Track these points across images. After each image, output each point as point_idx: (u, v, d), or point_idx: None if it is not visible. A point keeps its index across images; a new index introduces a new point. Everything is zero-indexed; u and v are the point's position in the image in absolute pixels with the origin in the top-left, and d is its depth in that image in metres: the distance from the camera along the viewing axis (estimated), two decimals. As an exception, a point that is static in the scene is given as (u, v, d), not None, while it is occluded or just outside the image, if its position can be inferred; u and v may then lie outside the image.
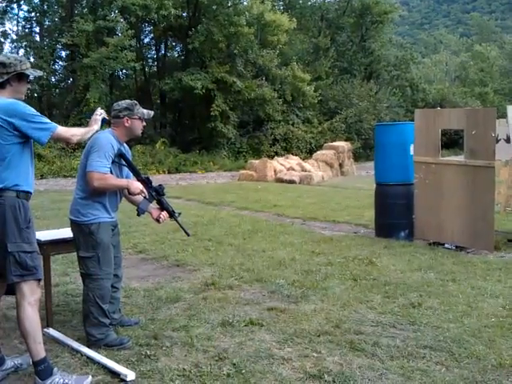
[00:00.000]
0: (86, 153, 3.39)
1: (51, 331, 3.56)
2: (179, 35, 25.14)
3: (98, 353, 3.19)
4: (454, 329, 3.63)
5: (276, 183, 17.28)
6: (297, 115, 26.69)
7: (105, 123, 3.36)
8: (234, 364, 3.02)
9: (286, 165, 19.36)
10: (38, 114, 2.84)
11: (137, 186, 3.39)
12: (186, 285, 4.77)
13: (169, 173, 20.46)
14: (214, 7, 22.39)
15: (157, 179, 18.34)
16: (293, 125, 26.07)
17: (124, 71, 26.79)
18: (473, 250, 6.28)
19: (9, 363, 2.99)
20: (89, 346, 3.29)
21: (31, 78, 2.98)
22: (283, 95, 25.00)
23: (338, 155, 21.19)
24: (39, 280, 2.85)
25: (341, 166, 21.33)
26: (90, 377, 2.88)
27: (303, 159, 21.68)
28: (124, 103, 3.60)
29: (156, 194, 3.60)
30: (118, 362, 3.08)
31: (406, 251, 6.21)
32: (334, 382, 2.83)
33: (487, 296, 4.41)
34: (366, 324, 3.75)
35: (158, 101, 26.63)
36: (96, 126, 3.22)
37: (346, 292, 4.52)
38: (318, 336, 3.47)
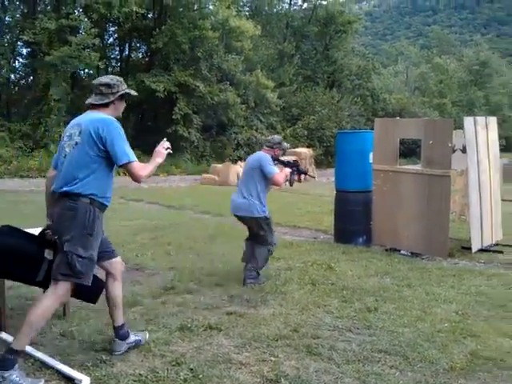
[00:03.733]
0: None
1: (4, 335, 3.46)
2: (144, 36, 24.91)
3: (53, 358, 3.12)
4: (408, 333, 3.72)
5: (235, 187, 17.28)
6: (260, 121, 26.82)
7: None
8: (192, 369, 3.01)
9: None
10: (126, 139, 3.09)
11: None
12: (145, 289, 4.72)
13: (130, 175, 20.15)
14: (180, 9, 22.30)
15: (117, 181, 18.08)
16: (256, 130, 26.18)
17: (86, 70, 26.32)
18: (428, 256, 6.45)
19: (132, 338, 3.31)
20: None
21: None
22: (247, 101, 25.09)
23: (301, 161, 21.34)
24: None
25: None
26: (43, 381, 2.85)
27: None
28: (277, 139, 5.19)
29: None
30: (72, 366, 3.02)
31: (363, 257, 6.32)
32: (291, 386, 2.86)
33: (441, 301, 4.54)
34: (324, 328, 3.81)
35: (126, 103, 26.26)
36: (160, 160, 3.29)
37: (305, 296, 4.57)
38: (276, 340, 3.50)
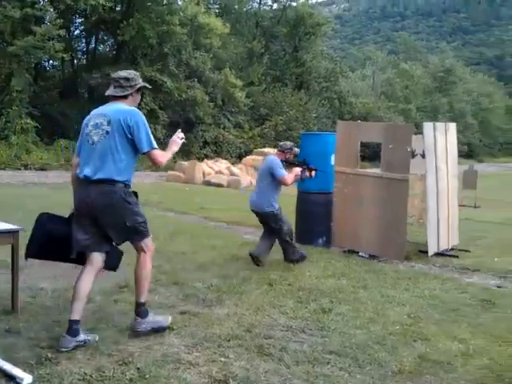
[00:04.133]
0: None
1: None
2: (111, 29, 24.48)
3: (-5, 356, 3.02)
4: (360, 335, 3.75)
5: (204, 186, 17.22)
6: (228, 119, 26.76)
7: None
8: (139, 368, 2.95)
9: (215, 168, 19.34)
10: (149, 128, 3.43)
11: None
12: (98, 286, 4.58)
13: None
14: (148, 3, 22.01)
15: (79, 176, 17.73)
16: (224, 128, 26.12)
17: (51, 62, 25.74)
18: (385, 259, 6.54)
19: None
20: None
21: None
22: (215, 99, 24.98)
23: (266, 161, 21.43)
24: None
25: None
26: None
27: (233, 163, 21.76)
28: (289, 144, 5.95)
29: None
30: (15, 364, 2.92)
31: (322, 258, 6.36)
32: (239, 387, 2.84)
33: (394, 304, 4.60)
34: (277, 329, 3.80)
35: (86, 95, 25.78)
36: (176, 148, 3.66)
37: (261, 297, 4.56)
38: (228, 340, 3.47)
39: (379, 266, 6.12)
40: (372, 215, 6.56)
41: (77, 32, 27.80)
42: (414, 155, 8.51)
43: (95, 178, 3.33)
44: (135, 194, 3.58)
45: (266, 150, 22.35)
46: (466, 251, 7.14)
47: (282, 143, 6.02)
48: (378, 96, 44.72)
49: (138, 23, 21.17)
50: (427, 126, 6.55)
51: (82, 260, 3.51)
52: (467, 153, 42.47)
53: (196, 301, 4.38)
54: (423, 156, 7.89)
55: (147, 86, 3.71)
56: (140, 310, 3.52)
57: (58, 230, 3.50)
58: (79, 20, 26.61)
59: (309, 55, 34.31)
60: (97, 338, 3.35)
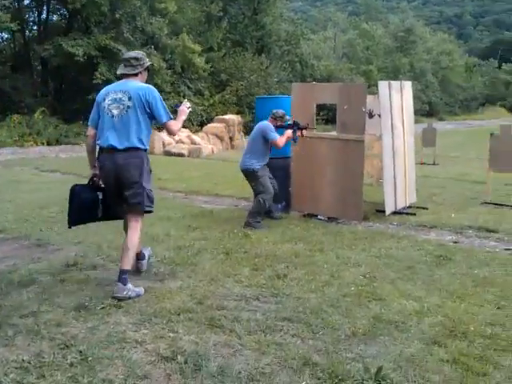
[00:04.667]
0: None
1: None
2: (63, -2, 23.36)
3: None
4: (314, 299, 3.70)
5: (164, 156, 16.85)
6: (188, 87, 26.09)
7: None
8: (81, 351, 2.82)
9: (175, 137, 18.94)
10: (163, 102, 3.91)
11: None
12: (45, 266, 4.42)
13: (48, 144, 19.10)
14: (98, -31, 20.98)
15: (34, 151, 17.17)
16: (184, 97, 25.39)
17: (1, 35, 24.47)
18: (343, 220, 6.51)
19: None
20: None
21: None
22: (173, 66, 24.31)
23: (229, 128, 21.12)
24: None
25: (231, 139, 21.31)
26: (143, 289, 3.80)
27: (194, 132, 21.35)
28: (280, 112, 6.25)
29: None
30: None
31: (280, 223, 6.30)
32: (186, 362, 2.74)
33: (350, 265, 4.58)
34: (230, 298, 3.71)
35: (40, 67, 24.74)
36: (184, 117, 4.13)
37: (216, 266, 4.46)
38: (178, 315, 3.36)
39: (337, 228, 6.09)
40: (329, 178, 6.49)
41: (27, 2, 26.47)
42: (372, 115, 8.44)
43: (122, 147, 3.78)
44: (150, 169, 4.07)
45: (228, 116, 22.03)
46: (424, 208, 7.18)
47: (274, 111, 6.23)
48: (339, 58, 44.42)
49: (88, -11, 20.21)
50: (382, 85, 6.45)
51: (107, 217, 4.14)
52: (428, 111, 42.90)
53: (148, 275, 4.24)
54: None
55: (153, 64, 4.25)
56: (124, 277, 3.73)
57: (88, 197, 3.98)
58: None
59: (268, 18, 33.52)
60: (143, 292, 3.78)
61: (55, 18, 27.76)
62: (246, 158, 6.24)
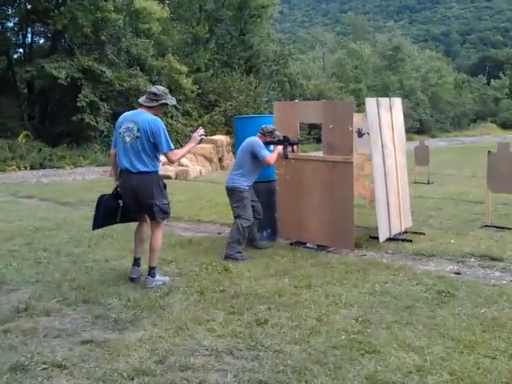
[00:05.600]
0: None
1: None
2: (44, 19, 23.01)
3: None
4: (297, 353, 3.13)
5: (149, 179, 16.31)
6: (176, 108, 25.65)
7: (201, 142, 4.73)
8: None
9: (162, 159, 18.43)
10: (166, 133, 4.50)
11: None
12: (-10, 312, 3.84)
13: (32, 168, 18.52)
14: (81, -10, 20.67)
15: (15, 176, 16.57)
16: (171, 117, 25.04)
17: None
18: (334, 248, 5.98)
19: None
20: None
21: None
22: (160, 87, 23.91)
23: (217, 149, 20.66)
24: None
25: (220, 160, 20.84)
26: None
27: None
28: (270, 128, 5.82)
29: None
30: None
31: (265, 253, 5.75)
32: None
33: (341, 305, 4.03)
34: (199, 353, 3.15)
35: (26, 90, 24.30)
36: (194, 144, 4.74)
37: (187, 310, 3.89)
38: (132, 379, 2.79)
39: (327, 258, 5.54)
40: (317, 202, 5.97)
41: (11, 25, 26.13)
42: (361, 134, 7.99)
43: (135, 170, 4.45)
44: (164, 184, 4.75)
45: (216, 137, 21.59)
46: (420, 234, 6.65)
47: (263, 126, 5.82)
48: (329, 77, 44.36)
49: (70, 11, 19.85)
50: (370, 102, 5.96)
51: (125, 220, 4.86)
52: (419, 129, 42.75)
53: (106, 323, 3.67)
54: (371, 134, 7.39)
55: (169, 103, 4.65)
56: (152, 272, 4.56)
57: (111, 205, 4.66)
58: (12, 11, 24.94)
59: (256, 38, 33.38)
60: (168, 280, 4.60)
61: (42, 40, 27.47)
62: (233, 176, 5.75)
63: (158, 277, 4.58)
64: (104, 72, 20.11)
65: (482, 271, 5.14)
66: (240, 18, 31.90)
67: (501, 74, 62.53)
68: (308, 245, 6.18)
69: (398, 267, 5.11)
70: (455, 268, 5.24)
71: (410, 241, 6.24)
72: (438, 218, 7.94)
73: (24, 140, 19.72)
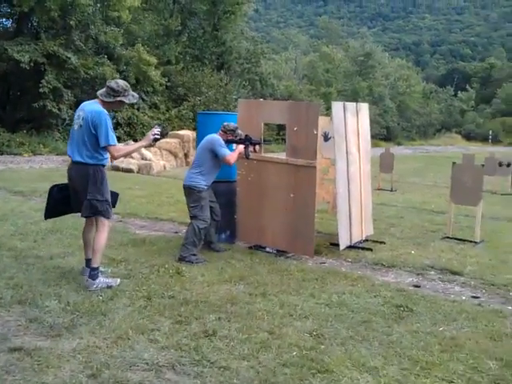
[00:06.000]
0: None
1: None
2: (11, 1, 22.14)
3: None
4: (244, 370, 2.91)
5: (111, 171, 15.80)
6: (143, 99, 25.10)
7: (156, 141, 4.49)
8: None
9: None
10: (112, 129, 4.27)
11: None
12: None
13: (-12, 155, 17.78)
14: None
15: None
16: (138, 109, 24.48)
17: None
18: (293, 254, 5.80)
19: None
20: None
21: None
22: (127, 77, 23.31)
23: (183, 144, 20.29)
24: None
25: (186, 155, 20.47)
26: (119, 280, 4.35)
27: (148, 147, 20.39)
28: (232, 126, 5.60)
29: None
30: None
31: (222, 257, 5.51)
32: None
33: (296, 317, 3.83)
34: (137, 367, 2.89)
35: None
36: (145, 143, 4.53)
37: (130, 318, 3.61)
38: (58, 396, 2.51)
39: (285, 265, 5.34)
40: (278, 206, 5.77)
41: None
42: (327, 138, 7.86)
43: (74, 160, 4.30)
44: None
45: (183, 132, 21.20)
46: (381, 243, 6.54)
47: (225, 123, 5.56)
48: (300, 79, 44.40)
49: (37, -7, 19.14)
50: (336, 106, 5.79)
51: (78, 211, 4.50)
52: (386, 136, 43.26)
53: (40, 328, 3.36)
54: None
55: (130, 100, 4.41)
56: (92, 274, 4.22)
57: (61, 196, 4.50)
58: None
59: (229, 35, 33.07)
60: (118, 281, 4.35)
61: (8, 23, 26.48)
62: (191, 174, 5.47)
63: (101, 279, 4.26)
64: (69, 58, 19.45)
65: (441, 285, 5.03)
66: (214, 12, 31.52)
67: (468, 87, 64.05)
68: (267, 249, 5.97)
69: (357, 277, 4.96)
70: (414, 280, 5.12)
71: (371, 250, 6.11)
72: (400, 226, 7.87)
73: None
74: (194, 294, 4.18)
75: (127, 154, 4.77)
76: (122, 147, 4.51)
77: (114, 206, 4.84)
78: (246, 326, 3.57)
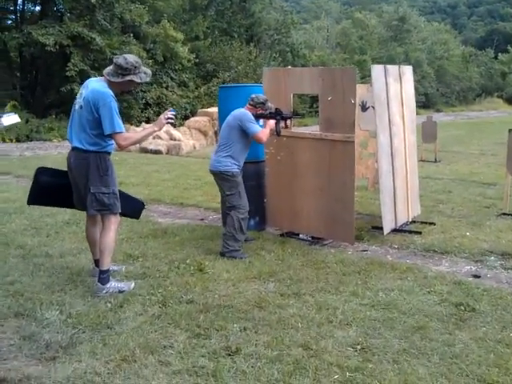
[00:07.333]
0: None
1: None
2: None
3: None
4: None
5: (140, 153, 15.43)
6: (171, 78, 24.54)
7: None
8: None
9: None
10: (118, 113, 3.64)
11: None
12: None
13: (17, 141, 17.66)
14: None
15: (-1, 149, 15.72)
16: (167, 88, 23.95)
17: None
18: (330, 241, 5.16)
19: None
20: None
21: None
22: (155, 55, 22.78)
23: (213, 122, 19.69)
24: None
25: (216, 133, 19.90)
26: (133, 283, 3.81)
27: (179, 126, 19.91)
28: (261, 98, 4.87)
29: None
30: None
31: (250, 247, 4.92)
32: None
33: (336, 323, 3.22)
34: (141, 404, 2.34)
35: (19, 59, 23.25)
36: (157, 128, 3.87)
37: (140, 331, 3.08)
38: None
39: (322, 255, 4.71)
40: (312, 187, 5.11)
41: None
42: (365, 108, 7.10)
43: (73, 145, 3.73)
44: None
45: (212, 109, 20.58)
46: (430, 224, 5.81)
47: (254, 96, 4.85)
48: (333, 48, 42.93)
49: (59, -27, 18.70)
50: (376, 70, 5.03)
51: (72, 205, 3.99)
52: (424, 103, 41.51)
53: (35, 348, 2.87)
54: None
55: (136, 80, 3.71)
56: (102, 278, 3.68)
57: (44, 181, 3.94)
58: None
59: (257, 6, 31.99)
60: (132, 285, 3.80)
61: (35, 7, 26.29)
62: (219, 158, 4.76)
63: (112, 283, 3.74)
64: (94, 39, 18.99)
65: (504, 274, 4.32)
66: (241, -17, 30.49)
67: (509, 48, 60.75)
68: (301, 236, 5.36)
69: (406, 268, 4.29)
70: (473, 269, 4.42)
71: (419, 233, 5.40)
72: (449, 203, 7.08)
73: (10, 110, 18.79)
74: (217, 297, 3.62)
75: (136, 143, 4.03)
76: (130, 134, 3.85)
77: (137, 218, 4.51)
78: (277, 339, 2.98)
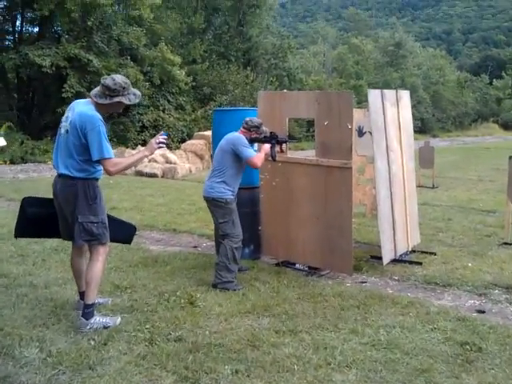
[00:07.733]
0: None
1: None
2: (32, 5, 21.93)
3: None
4: None
5: (135, 176, 15.26)
6: (168, 101, 24.56)
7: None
8: None
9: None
10: (106, 138, 3.47)
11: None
12: None
13: (12, 163, 17.48)
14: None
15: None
16: (163, 111, 23.95)
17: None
18: (328, 272, 4.96)
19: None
20: None
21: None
22: (151, 78, 22.81)
23: (210, 145, 19.60)
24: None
25: (212, 157, 19.81)
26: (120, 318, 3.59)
27: (175, 149, 19.81)
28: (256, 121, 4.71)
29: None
30: None
31: (244, 278, 4.71)
32: None
33: (335, 365, 3.01)
34: None
35: (16, 80, 23.25)
36: (148, 153, 3.68)
37: (123, 374, 2.85)
38: None
39: (319, 287, 4.50)
40: (308, 214, 4.94)
41: (-1, 11, 25.07)
42: (362, 133, 6.98)
43: (59, 172, 3.55)
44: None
45: (208, 132, 20.50)
46: (431, 254, 5.63)
47: (248, 119, 4.70)
48: (329, 73, 43.26)
49: (56, -5, 18.77)
50: (373, 94, 4.90)
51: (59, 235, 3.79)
52: (421, 128, 41.68)
53: (6, 394, 2.64)
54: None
55: (124, 102, 3.57)
56: (86, 312, 3.50)
57: (36, 212, 3.72)
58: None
59: (255, 30, 32.25)
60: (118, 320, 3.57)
61: (33, 28, 26.43)
62: (213, 183, 4.59)
63: (97, 318, 3.52)
64: (91, 61, 19.00)
65: (510, 309, 4.12)
66: (239, 8, 30.78)
67: (503, 74, 61.46)
68: (297, 266, 5.16)
69: (407, 303, 4.08)
70: (477, 303, 4.23)
71: (420, 263, 5.22)
72: (449, 231, 6.91)
73: (3, 132, 18.65)
74: (207, 334, 3.40)
75: (126, 168, 3.73)
76: (119, 160, 3.62)
77: (129, 243, 4.28)
78: (271, 383, 2.76)
